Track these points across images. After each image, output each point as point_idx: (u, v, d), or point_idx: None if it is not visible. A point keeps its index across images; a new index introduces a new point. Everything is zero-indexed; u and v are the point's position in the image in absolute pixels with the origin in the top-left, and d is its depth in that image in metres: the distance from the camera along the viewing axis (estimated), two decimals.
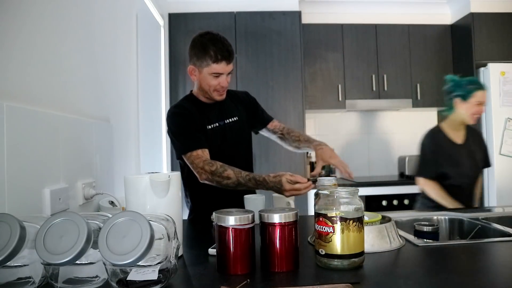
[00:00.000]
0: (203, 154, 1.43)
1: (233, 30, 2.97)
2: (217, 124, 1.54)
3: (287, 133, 1.68)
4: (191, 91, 1.63)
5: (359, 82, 3.28)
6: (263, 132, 1.74)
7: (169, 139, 2.91)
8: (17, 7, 1.04)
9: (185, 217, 1.67)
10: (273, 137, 1.73)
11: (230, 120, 1.58)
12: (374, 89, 3.28)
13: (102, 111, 1.62)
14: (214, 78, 1.46)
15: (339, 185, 1.40)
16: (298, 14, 3.01)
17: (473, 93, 1.94)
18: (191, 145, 1.44)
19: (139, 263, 0.72)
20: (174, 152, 1.54)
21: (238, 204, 1.41)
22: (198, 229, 1.43)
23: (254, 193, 1.49)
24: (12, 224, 0.73)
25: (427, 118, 3.67)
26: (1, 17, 0.97)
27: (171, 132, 1.53)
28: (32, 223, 0.78)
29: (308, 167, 3.25)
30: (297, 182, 1.28)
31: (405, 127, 3.64)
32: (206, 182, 1.41)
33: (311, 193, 2.63)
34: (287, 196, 1.33)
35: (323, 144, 1.54)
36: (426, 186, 1.99)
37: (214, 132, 1.53)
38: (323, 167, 1.49)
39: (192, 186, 1.58)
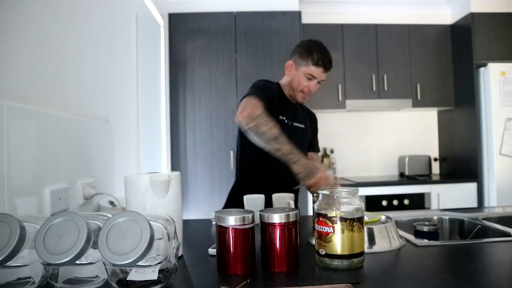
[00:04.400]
0: (260, 104, 1.35)
1: (233, 30, 2.97)
2: (286, 121, 1.59)
3: None
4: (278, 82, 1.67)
5: (359, 82, 3.28)
6: None
7: (169, 139, 2.94)
8: (17, 7, 1.04)
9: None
10: None
11: (299, 125, 1.65)
12: (374, 89, 3.28)
13: (102, 111, 1.62)
14: (306, 80, 1.55)
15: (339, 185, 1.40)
16: (298, 14, 3.01)
17: None
18: (258, 94, 1.40)
19: (139, 263, 0.72)
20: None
21: (282, 182, 1.51)
22: (198, 229, 1.43)
23: (255, 193, 1.49)
24: (12, 224, 0.73)
25: (427, 118, 3.68)
26: (1, 17, 0.97)
27: (250, 88, 1.53)
28: (32, 223, 0.78)
29: None
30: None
31: (405, 127, 3.64)
32: (244, 121, 1.31)
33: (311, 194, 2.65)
34: (311, 186, 1.26)
35: None
36: None
37: (282, 123, 1.54)
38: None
39: (245, 159, 1.64)
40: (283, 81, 1.66)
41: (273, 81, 1.63)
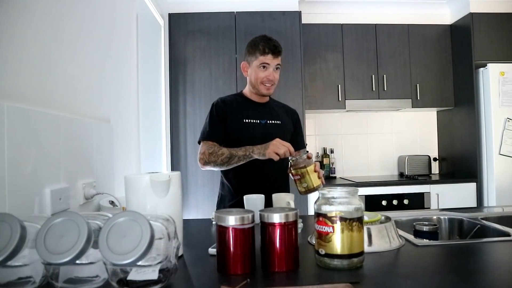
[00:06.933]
0: (205, 147, 1.58)
1: (233, 30, 2.97)
2: (257, 121, 1.66)
3: None
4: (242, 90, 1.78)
5: (359, 82, 3.28)
6: None
7: (169, 139, 2.94)
8: (18, 8, 1.04)
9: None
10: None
11: (273, 122, 1.69)
12: (374, 89, 3.28)
13: (102, 111, 1.62)
14: (262, 71, 1.62)
15: (338, 185, 1.41)
16: (298, 14, 3.01)
17: None
18: (203, 137, 1.62)
19: (139, 263, 0.72)
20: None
21: (267, 184, 1.59)
22: (198, 229, 1.43)
23: (254, 193, 1.50)
24: (13, 224, 0.73)
25: (427, 118, 3.68)
26: (1, 17, 0.97)
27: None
28: (33, 223, 0.79)
29: None
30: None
31: (405, 127, 3.64)
32: (206, 167, 1.58)
33: (311, 195, 2.66)
34: (268, 153, 1.41)
35: None
36: None
37: (252, 126, 1.64)
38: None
39: (230, 174, 1.68)
40: (247, 86, 1.74)
41: (227, 96, 1.74)
